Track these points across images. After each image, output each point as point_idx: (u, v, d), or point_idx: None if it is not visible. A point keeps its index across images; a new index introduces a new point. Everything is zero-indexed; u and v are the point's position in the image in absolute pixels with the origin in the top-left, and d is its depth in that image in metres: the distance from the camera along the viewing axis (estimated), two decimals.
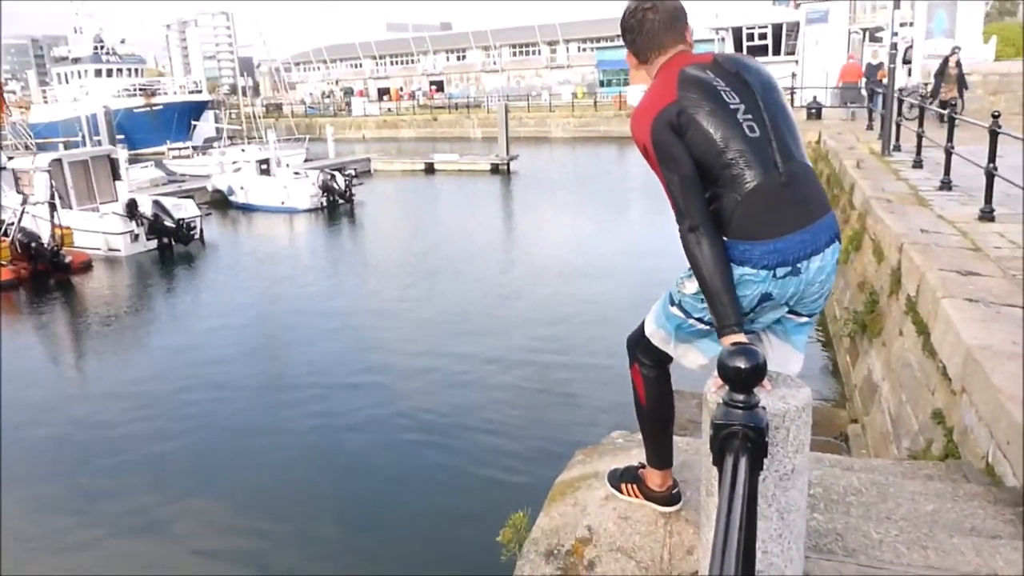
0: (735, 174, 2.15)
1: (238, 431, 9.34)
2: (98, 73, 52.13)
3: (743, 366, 1.61)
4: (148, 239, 19.81)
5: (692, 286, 2.28)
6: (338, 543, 6.90)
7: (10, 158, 39.95)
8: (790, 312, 2.29)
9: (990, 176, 7.49)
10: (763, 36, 31.41)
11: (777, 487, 1.91)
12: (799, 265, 2.16)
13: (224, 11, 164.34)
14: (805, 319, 2.33)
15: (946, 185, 9.26)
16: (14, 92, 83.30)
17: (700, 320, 2.32)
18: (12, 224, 18.17)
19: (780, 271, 2.15)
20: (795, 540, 1.98)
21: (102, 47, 53.44)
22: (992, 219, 7.46)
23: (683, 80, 2.20)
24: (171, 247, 20.09)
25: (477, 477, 7.83)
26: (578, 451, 3.33)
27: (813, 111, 24.02)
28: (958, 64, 17.20)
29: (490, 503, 6.14)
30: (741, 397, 1.62)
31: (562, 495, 2.94)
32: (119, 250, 19.38)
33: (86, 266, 18.43)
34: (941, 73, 17.33)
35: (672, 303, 2.40)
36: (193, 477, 8.24)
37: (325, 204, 25.60)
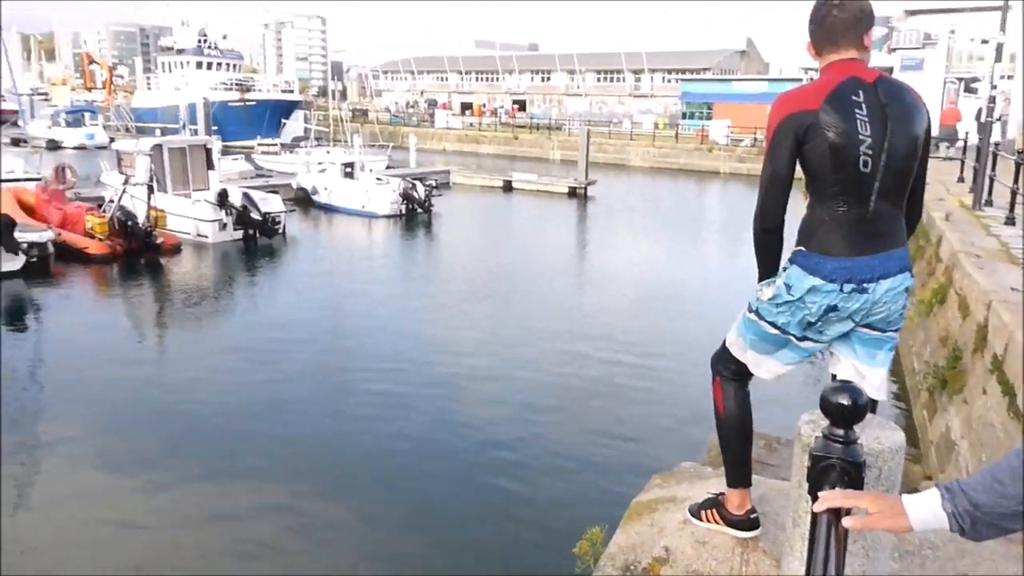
0: (831, 197, 2.36)
1: (303, 423, 9.61)
2: (199, 65, 54.36)
3: (845, 403, 1.68)
4: (235, 229, 20.57)
5: (769, 292, 2.49)
6: (406, 543, 7.03)
7: (111, 139, 42.19)
8: (863, 326, 2.43)
9: None
10: None
11: None
12: (866, 285, 2.35)
13: (320, 15, 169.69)
14: (878, 333, 2.45)
15: None
16: (122, 76, 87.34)
17: (774, 324, 2.49)
18: (112, 202, 19.15)
19: (847, 287, 2.35)
20: None
21: (205, 41, 55.76)
22: None
23: (834, 95, 2.33)
24: (255, 238, 20.81)
25: (551, 492, 7.95)
26: (655, 475, 3.40)
27: None
28: None
29: (564, 517, 6.27)
30: (841, 432, 1.70)
31: (639, 515, 3.02)
32: (207, 236, 20.18)
33: (175, 249, 19.27)
34: None
35: (750, 310, 2.58)
36: (254, 459, 8.51)
37: (404, 211, 26.12)
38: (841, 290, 2.35)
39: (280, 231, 21.29)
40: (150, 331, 14.28)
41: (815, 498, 1.70)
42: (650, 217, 29.86)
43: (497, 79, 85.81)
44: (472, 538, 7.08)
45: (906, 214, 2.51)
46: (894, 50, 36.93)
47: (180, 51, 56.07)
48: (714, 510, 2.77)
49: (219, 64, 55.22)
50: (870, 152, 2.29)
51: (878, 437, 2.01)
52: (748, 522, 2.69)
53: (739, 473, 2.69)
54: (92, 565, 6.51)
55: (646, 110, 70.60)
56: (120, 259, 18.08)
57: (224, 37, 58.72)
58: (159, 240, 18.66)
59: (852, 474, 1.69)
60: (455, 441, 9.23)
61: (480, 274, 18.47)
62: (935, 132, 23.10)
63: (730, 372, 2.68)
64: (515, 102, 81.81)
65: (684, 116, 63.36)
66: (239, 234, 20.71)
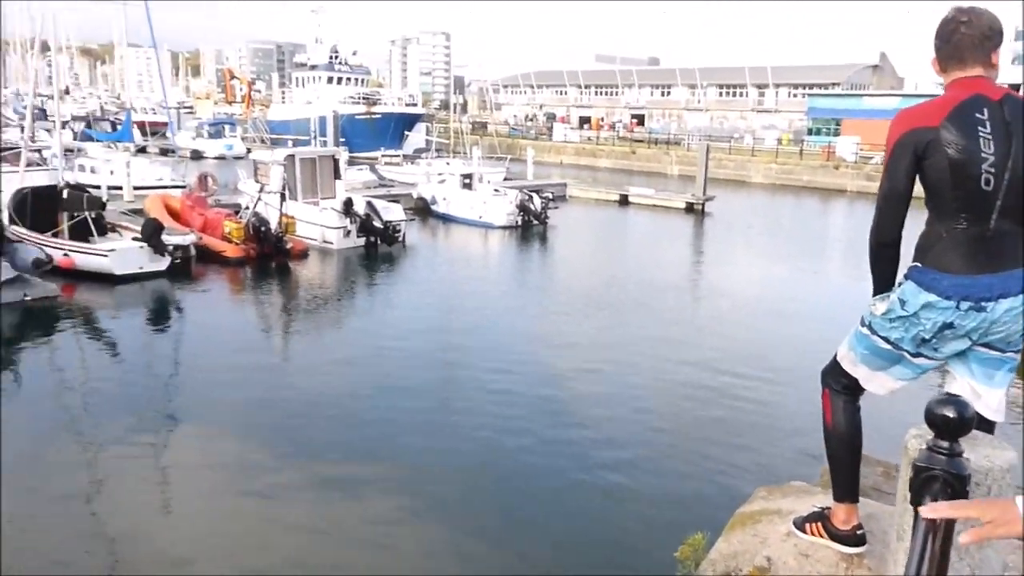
0: (950, 213, 2.36)
1: (417, 424, 9.95)
2: (330, 80, 56.95)
3: (951, 415, 1.71)
4: (358, 236, 21.47)
5: (882, 307, 2.49)
6: (514, 542, 7.23)
7: (248, 150, 44.84)
8: (981, 345, 2.39)
9: None
10: None
11: (974, 544, 1.96)
12: (984, 304, 2.32)
13: (444, 31, 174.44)
14: (997, 353, 2.40)
15: None
16: (259, 91, 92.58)
17: (887, 340, 2.48)
18: (248, 208, 20.42)
19: (963, 305, 2.33)
20: None
21: (336, 57, 58.41)
22: None
23: (956, 112, 2.32)
24: (376, 246, 21.65)
25: (656, 498, 8.08)
26: (760, 488, 3.42)
27: None
28: None
29: (668, 523, 6.35)
30: (945, 444, 1.72)
31: (742, 525, 3.05)
32: (332, 243, 21.18)
33: (303, 254, 20.32)
34: None
35: (863, 324, 2.58)
36: (368, 459, 8.87)
37: (520, 223, 26.50)
38: (957, 307, 2.34)
39: (400, 239, 22.05)
40: (277, 330, 15.14)
41: (916, 509, 1.73)
42: (769, 235, 29.12)
43: (616, 93, 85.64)
44: (577, 538, 7.25)
45: None
46: None
47: (313, 67, 58.95)
48: (819, 523, 2.77)
49: (348, 79, 57.67)
50: (993, 170, 2.28)
51: (988, 455, 2.00)
52: (854, 538, 2.68)
53: (846, 487, 2.69)
54: (199, 553, 6.88)
55: (769, 125, 68.72)
56: (253, 262, 19.23)
57: (354, 53, 61.29)
58: (289, 245, 19.74)
59: (955, 487, 1.70)
60: (564, 444, 9.42)
61: (594, 286, 18.55)
62: None
63: (840, 386, 2.69)
64: (634, 116, 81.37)
65: (810, 132, 61.25)
66: (361, 241, 21.59)
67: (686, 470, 8.68)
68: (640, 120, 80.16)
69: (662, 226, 30.08)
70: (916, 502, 1.75)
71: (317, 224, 21.41)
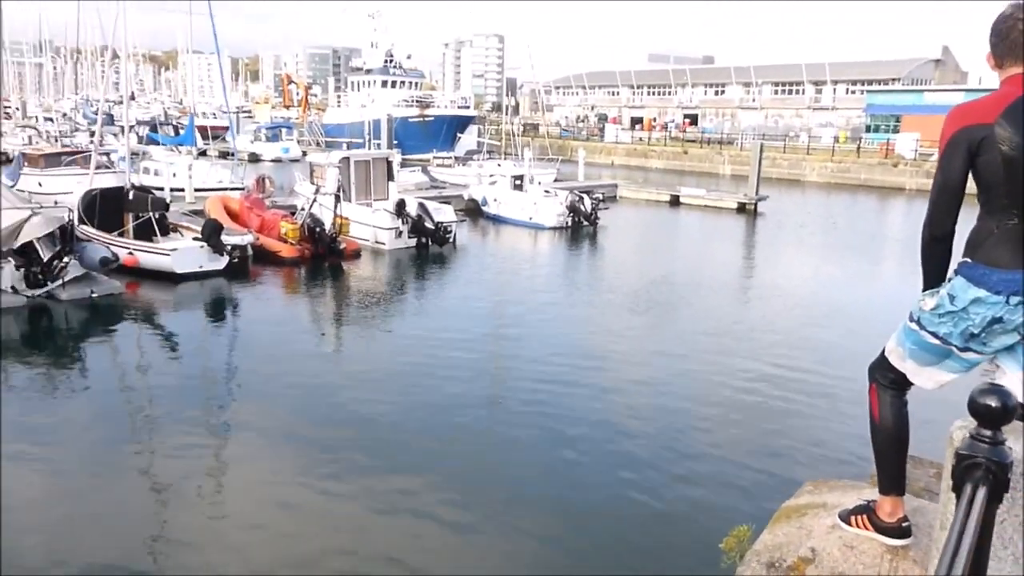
0: (1002, 209, 2.37)
1: (463, 422, 10.04)
2: (384, 84, 57.79)
3: (994, 404, 1.71)
4: (409, 237, 21.77)
5: (931, 302, 2.50)
6: (560, 539, 7.29)
7: (304, 153, 45.74)
8: None
9: None
10: None
11: (1016, 531, 1.96)
12: None
13: (498, 34, 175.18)
14: None
15: None
16: (315, 95, 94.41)
17: (935, 335, 2.49)
18: (303, 210, 20.87)
19: (1013, 299, 2.36)
20: None
21: (391, 61, 59.24)
22: None
23: (1011, 109, 2.32)
24: (427, 247, 21.91)
25: (703, 491, 8.13)
26: (808, 482, 3.42)
27: None
28: None
29: (715, 515, 6.41)
30: (988, 433, 1.73)
31: (788, 517, 3.06)
32: (384, 243, 21.50)
33: (356, 254, 20.68)
34: None
35: (912, 319, 2.59)
36: (415, 457, 8.95)
37: (570, 224, 26.52)
38: (1007, 302, 2.35)
39: (451, 240, 22.27)
40: (329, 328, 15.44)
41: (959, 496, 1.74)
42: (823, 234, 28.61)
43: (669, 93, 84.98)
44: (627, 532, 7.33)
45: None
46: None
47: (368, 71, 59.89)
48: (865, 516, 2.78)
49: (402, 82, 58.45)
50: None
51: None
52: (899, 530, 2.68)
53: (892, 480, 2.69)
54: (246, 555, 7.02)
55: (826, 123, 67.45)
56: (307, 262, 19.64)
57: (408, 57, 62.10)
58: (342, 246, 20.11)
59: (998, 474, 1.71)
60: (615, 440, 9.47)
61: (643, 286, 18.48)
62: None
63: (887, 380, 2.70)
64: (686, 116, 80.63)
65: (868, 129, 59.96)
66: (413, 242, 21.88)
67: (735, 465, 8.69)
68: (693, 120, 79.41)
69: (713, 226, 29.78)
70: (957, 490, 1.76)
71: (370, 225, 21.76)
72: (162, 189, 22.86)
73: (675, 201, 34.72)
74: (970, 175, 2.45)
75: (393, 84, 57.88)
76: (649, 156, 58.15)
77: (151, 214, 18.23)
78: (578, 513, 7.67)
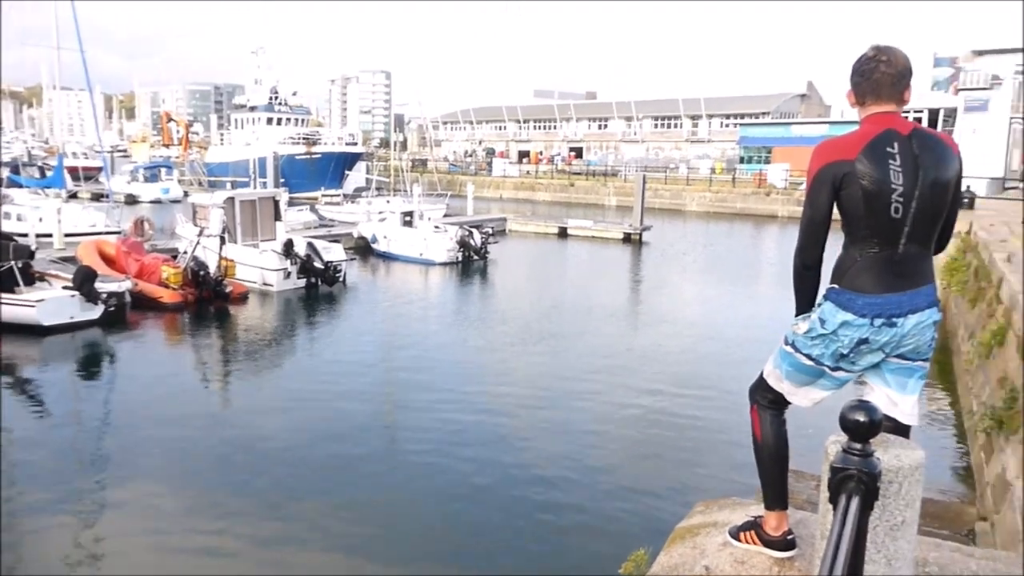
0: (863, 239, 2.56)
1: (358, 461, 9.87)
2: (269, 121, 56.67)
3: (862, 419, 1.84)
4: (299, 277, 21.28)
5: (804, 326, 2.66)
6: (459, 568, 7.22)
7: (185, 193, 44.14)
8: (895, 357, 2.59)
9: None
10: (918, 120, 30.56)
11: (887, 536, 2.10)
12: (895, 320, 2.53)
13: (384, 70, 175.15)
14: (908, 362, 2.61)
15: None
16: (197, 133, 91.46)
17: (809, 356, 2.65)
18: (186, 252, 20.08)
19: (877, 322, 2.54)
20: None
21: (276, 98, 58.17)
22: None
23: (870, 146, 2.51)
24: (317, 287, 21.48)
25: (600, 518, 8.23)
26: (699, 502, 3.54)
27: (966, 200, 23.09)
28: None
29: (612, 541, 6.52)
30: (858, 446, 1.85)
31: (682, 538, 3.15)
32: (272, 285, 20.94)
33: (243, 297, 20.01)
34: None
35: (787, 343, 2.75)
36: (315, 501, 8.74)
37: (461, 259, 26.63)
38: (871, 324, 2.53)
39: (341, 279, 21.92)
40: (216, 376, 14.82)
41: (835, 506, 1.85)
42: (704, 261, 29.86)
43: (555, 127, 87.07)
44: (527, 560, 7.35)
45: (939, 246, 2.70)
46: (960, 91, 36.41)
47: (252, 108, 58.61)
48: (753, 532, 2.90)
49: (288, 119, 57.50)
50: (901, 200, 2.48)
51: (898, 455, 2.14)
52: (785, 543, 2.81)
53: (776, 496, 2.82)
54: None
55: (703, 155, 70.65)
56: (191, 307, 18.86)
57: (294, 94, 61.16)
58: (228, 289, 19.42)
59: (869, 484, 1.83)
60: (510, 470, 9.53)
61: (536, 317, 18.73)
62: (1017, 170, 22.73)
63: (767, 401, 2.84)
64: (572, 149, 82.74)
65: (742, 160, 63.16)
66: (302, 282, 21.41)
67: (629, 491, 8.88)
68: (578, 153, 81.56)
69: (601, 257, 30.56)
70: (834, 500, 1.87)
71: (257, 266, 21.16)
72: (26, 235, 21.51)
73: (563, 233, 35.47)
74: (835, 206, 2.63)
75: (279, 121, 56.87)
76: (537, 189, 59.27)
77: (13, 263, 17.01)
78: (478, 547, 7.64)
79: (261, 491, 8.88)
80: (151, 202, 44.90)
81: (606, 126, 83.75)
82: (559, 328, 17.64)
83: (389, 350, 16.25)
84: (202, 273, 19.17)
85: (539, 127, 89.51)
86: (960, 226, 16.87)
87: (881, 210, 2.49)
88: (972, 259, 14.19)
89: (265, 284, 21.08)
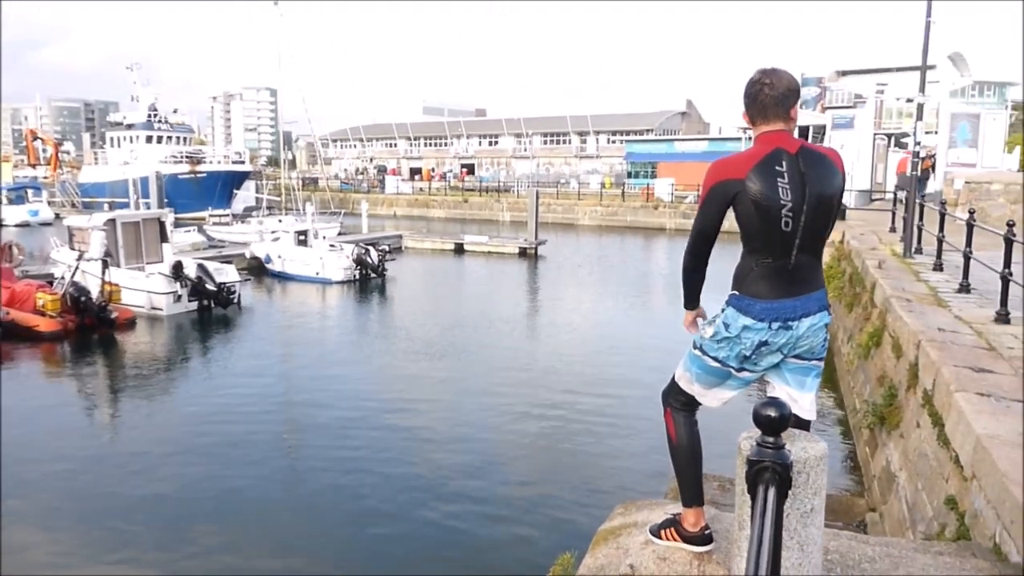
0: (758, 250, 2.79)
1: (262, 489, 9.64)
2: (149, 139, 54.34)
3: (773, 415, 2.03)
4: (190, 300, 20.53)
5: (710, 330, 2.88)
6: None
7: (57, 216, 41.69)
8: (792, 357, 2.84)
9: (1005, 281, 7.86)
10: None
11: (799, 523, 2.30)
12: (790, 323, 2.76)
13: (269, 87, 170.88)
14: (805, 362, 2.87)
15: (964, 288, 9.59)
16: (68, 152, 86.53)
17: (716, 359, 2.87)
18: (63, 278, 19.00)
19: (774, 325, 2.76)
20: (814, 569, 2.36)
21: (155, 115, 55.84)
22: (1007, 321, 7.78)
23: (760, 165, 2.72)
24: (210, 309, 20.78)
25: (523, 528, 8.35)
26: (618, 505, 3.70)
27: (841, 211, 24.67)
28: None
29: (538, 549, 6.62)
30: (771, 439, 2.04)
31: (605, 540, 3.30)
32: (161, 309, 20.10)
33: (130, 323, 19.11)
34: None
35: (695, 347, 2.96)
36: (209, 532, 8.49)
37: (358, 277, 26.35)
38: (769, 327, 2.77)
39: (235, 301, 21.29)
40: (103, 408, 14.05)
41: (753, 497, 2.03)
42: (600, 273, 30.61)
43: (446, 144, 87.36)
44: (450, 572, 7.41)
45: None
46: (827, 109, 38.87)
47: (130, 126, 56.05)
48: (672, 529, 3.08)
49: (169, 137, 55.32)
50: (791, 215, 2.71)
51: (804, 447, 2.36)
52: (703, 537, 3.01)
53: (692, 493, 3.02)
54: None
55: (592, 170, 72.45)
56: (72, 336, 17.87)
57: (175, 111, 58.97)
58: (113, 315, 18.50)
59: (782, 474, 2.02)
60: (422, 487, 9.49)
61: (438, 333, 18.75)
62: (893, 181, 24.38)
63: (680, 403, 3.04)
64: (464, 166, 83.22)
65: (629, 175, 65.15)
66: (193, 305, 20.67)
67: (548, 498, 9.04)
68: (470, 169, 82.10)
69: (498, 272, 30.86)
70: (752, 492, 2.05)
71: (144, 290, 20.28)
72: None
73: (459, 249, 35.63)
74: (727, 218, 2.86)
75: (159, 139, 54.62)
76: (431, 206, 59.23)
77: None
78: (398, 561, 7.61)
79: (155, 526, 8.51)
80: (18, 225, 42.21)
81: (497, 143, 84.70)
82: (462, 342, 17.72)
83: (288, 372, 15.90)
84: (83, 299, 18.20)
85: (430, 144, 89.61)
86: (833, 235, 18.05)
87: (772, 224, 2.71)
88: (847, 266, 15.19)
89: (153, 308, 20.21)
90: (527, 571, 4.48)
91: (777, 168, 2.71)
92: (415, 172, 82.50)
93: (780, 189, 2.69)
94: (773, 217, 2.70)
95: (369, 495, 9.28)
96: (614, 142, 75.53)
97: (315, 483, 9.67)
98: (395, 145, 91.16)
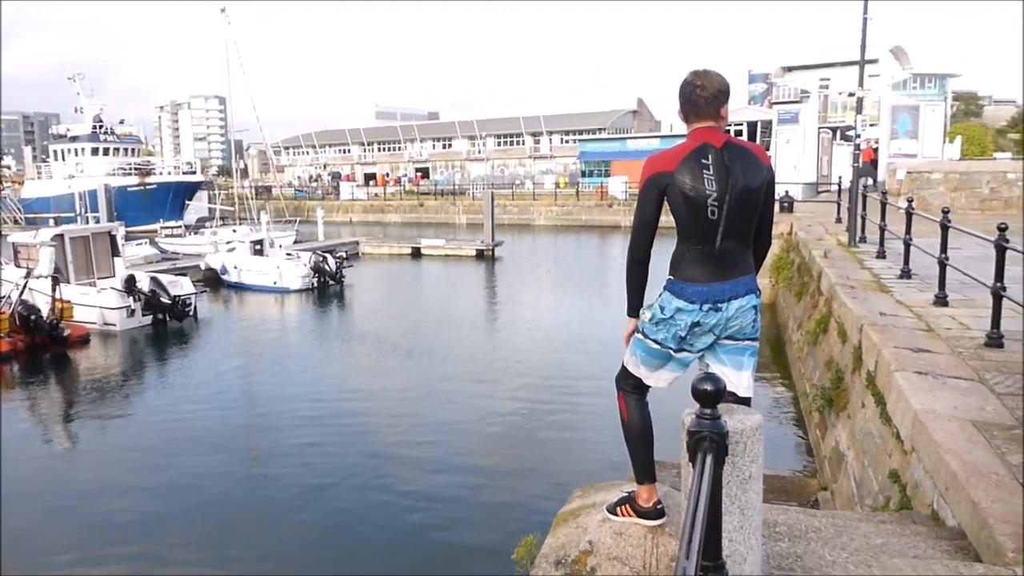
0: (688, 237, 3.01)
1: (223, 497, 9.64)
2: (95, 151, 53.17)
3: (710, 388, 2.21)
4: (144, 314, 20.24)
5: (649, 314, 3.09)
6: None
7: None
8: (726, 338, 3.04)
9: (942, 266, 8.23)
10: (739, 133, 33.10)
11: (739, 488, 2.49)
12: (719, 305, 2.97)
13: (218, 95, 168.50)
14: (738, 343, 3.06)
15: (906, 274, 9.99)
16: (8, 167, 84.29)
17: (656, 341, 3.06)
18: (6, 298, 18.55)
19: (704, 307, 2.97)
20: (753, 532, 2.54)
21: (101, 127, 54.64)
22: (946, 304, 8.15)
23: (687, 159, 2.95)
24: (166, 323, 20.52)
25: (488, 516, 8.66)
26: (577, 488, 3.87)
27: (786, 204, 25.20)
28: None
29: (503, 532, 6.81)
30: (708, 411, 2.22)
31: (565, 521, 3.47)
32: (115, 324, 19.78)
33: (83, 340, 18.78)
34: None
35: (638, 331, 3.15)
36: (172, 544, 8.45)
37: (316, 284, 26.24)
38: (700, 309, 2.97)
39: (191, 313, 21.06)
40: (57, 428, 13.74)
41: (694, 465, 2.20)
42: (557, 272, 30.93)
43: (399, 148, 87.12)
44: (420, 561, 7.66)
45: (756, 247, 3.17)
46: (774, 104, 39.72)
47: (74, 138, 54.79)
48: (627, 506, 3.25)
49: (116, 149, 54.21)
50: (716, 204, 2.93)
51: (741, 420, 2.55)
52: (656, 512, 3.19)
53: (645, 471, 3.20)
54: None
55: (546, 170, 72.89)
56: (22, 356, 17.49)
57: (121, 122, 57.84)
58: (66, 332, 18.17)
59: (720, 443, 2.20)
60: (390, 486, 9.61)
61: (396, 337, 18.80)
62: (838, 173, 25.00)
63: (630, 387, 3.22)
64: (418, 170, 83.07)
65: (583, 174, 65.70)
66: (148, 319, 20.40)
67: (510, 488, 9.31)
68: (425, 173, 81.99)
69: (456, 274, 30.98)
70: (692, 459, 2.22)
71: (96, 306, 19.95)
72: None
73: (417, 253, 35.66)
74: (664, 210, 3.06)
75: (106, 151, 53.46)
76: (387, 211, 59.07)
77: None
78: (367, 554, 7.76)
79: (114, 544, 8.44)
80: None
81: (450, 145, 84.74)
82: (423, 344, 17.81)
83: (249, 381, 15.82)
84: (33, 318, 17.84)
85: (384, 149, 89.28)
86: (782, 227, 18.55)
87: (699, 213, 2.93)
88: (795, 257, 15.63)
89: (107, 324, 19.89)
90: (492, 556, 4.66)
91: (703, 161, 2.93)
92: (369, 178, 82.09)
93: (706, 181, 2.91)
94: (700, 207, 2.92)
95: (334, 494, 9.37)
96: (567, 142, 76.08)
97: (280, 487, 9.71)
98: (348, 151, 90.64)
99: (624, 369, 3.23)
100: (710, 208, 2.93)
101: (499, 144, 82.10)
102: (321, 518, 8.86)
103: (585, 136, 71.38)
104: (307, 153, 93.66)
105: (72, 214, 33.56)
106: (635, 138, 66.50)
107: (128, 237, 32.48)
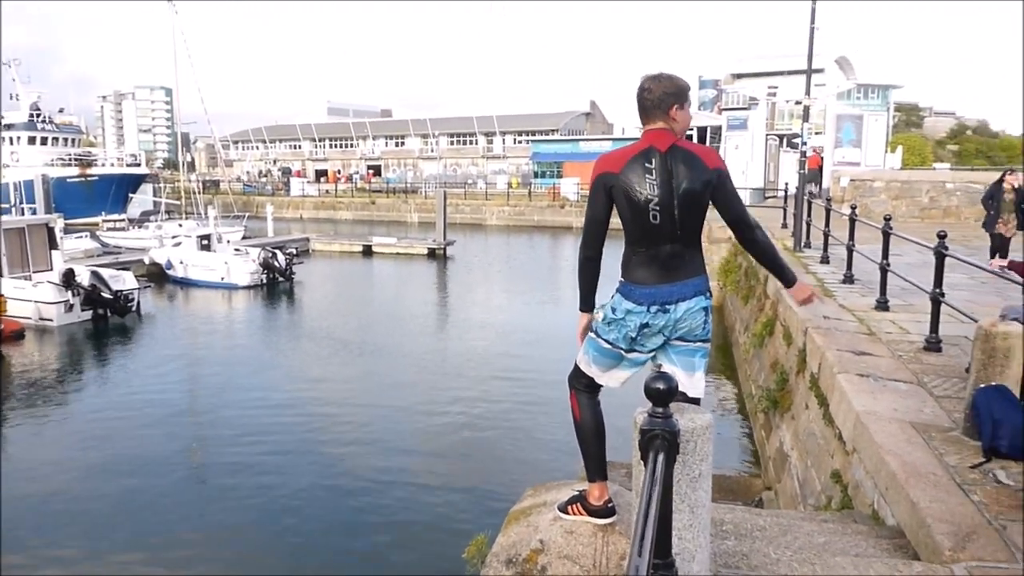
0: (635, 240, 3.05)
1: (165, 498, 9.42)
2: (31, 140, 51.42)
3: (661, 387, 2.22)
4: (83, 309, 19.66)
5: (601, 314, 3.11)
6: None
7: None
8: (676, 340, 3.05)
9: (884, 271, 8.46)
10: (689, 139, 33.50)
11: (688, 487, 2.51)
12: (667, 306, 3.00)
13: (164, 86, 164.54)
14: (689, 344, 3.08)
15: (849, 279, 10.24)
16: None
17: (608, 341, 3.08)
18: None
19: (652, 308, 2.99)
20: (703, 530, 2.57)
21: (39, 115, 52.84)
22: (887, 308, 8.38)
23: (631, 162, 2.98)
24: (107, 318, 19.96)
25: (439, 515, 8.57)
26: (528, 488, 3.87)
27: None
28: (1016, 189, 11.86)
29: (453, 532, 6.79)
30: (660, 410, 2.23)
31: (517, 520, 3.46)
32: (52, 319, 19.18)
33: (18, 335, 18.14)
34: (991, 197, 12.18)
35: (591, 330, 3.17)
36: (114, 549, 8.22)
37: (265, 281, 25.81)
38: (648, 311, 3.00)
39: (133, 309, 20.53)
40: None
41: (646, 463, 2.21)
42: (508, 272, 30.98)
43: (351, 145, 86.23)
44: (369, 560, 7.57)
45: (743, 238, 3.22)
46: (723, 111, 40.38)
47: (9, 126, 52.86)
48: (578, 504, 3.26)
49: (55, 139, 52.51)
50: (658, 208, 2.96)
51: (692, 418, 2.57)
52: (606, 510, 3.20)
53: (596, 469, 3.21)
54: None
55: (499, 171, 72.92)
56: None
57: (60, 111, 56.07)
58: None
59: (671, 440, 2.21)
60: (339, 486, 9.53)
61: (349, 334, 18.63)
62: (784, 180, 25.53)
63: (582, 385, 3.23)
64: (370, 167, 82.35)
65: (536, 175, 65.93)
66: (88, 315, 19.82)
67: (462, 488, 9.27)
68: (377, 170, 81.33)
69: (407, 273, 30.80)
70: (644, 457, 2.24)
71: (31, 300, 19.31)
72: None
73: (368, 251, 35.35)
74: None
75: (43, 141, 51.74)
76: (338, 208, 58.44)
77: None
78: (317, 555, 7.65)
79: (52, 547, 8.18)
80: None
81: (403, 143, 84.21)
82: (373, 342, 17.68)
83: (194, 379, 15.49)
84: None
85: (335, 145, 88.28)
86: (729, 232, 18.86)
87: (642, 216, 2.96)
88: (742, 260, 15.91)
89: (43, 319, 19.26)
90: (443, 555, 4.65)
91: (647, 165, 2.96)
92: (321, 174, 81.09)
93: (648, 184, 2.94)
94: (642, 210, 2.95)
95: (280, 493, 9.24)
96: (520, 142, 76.25)
97: (222, 487, 9.52)
98: (299, 147, 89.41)
99: (577, 368, 3.25)
100: (651, 212, 2.96)
101: (452, 143, 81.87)
102: (265, 517, 8.73)
103: (538, 137, 71.62)
104: (257, 148, 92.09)
105: (6, 205, 32.38)
106: (588, 140, 66.99)
107: (68, 230, 31.46)
